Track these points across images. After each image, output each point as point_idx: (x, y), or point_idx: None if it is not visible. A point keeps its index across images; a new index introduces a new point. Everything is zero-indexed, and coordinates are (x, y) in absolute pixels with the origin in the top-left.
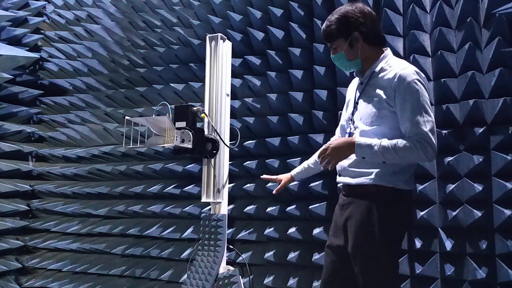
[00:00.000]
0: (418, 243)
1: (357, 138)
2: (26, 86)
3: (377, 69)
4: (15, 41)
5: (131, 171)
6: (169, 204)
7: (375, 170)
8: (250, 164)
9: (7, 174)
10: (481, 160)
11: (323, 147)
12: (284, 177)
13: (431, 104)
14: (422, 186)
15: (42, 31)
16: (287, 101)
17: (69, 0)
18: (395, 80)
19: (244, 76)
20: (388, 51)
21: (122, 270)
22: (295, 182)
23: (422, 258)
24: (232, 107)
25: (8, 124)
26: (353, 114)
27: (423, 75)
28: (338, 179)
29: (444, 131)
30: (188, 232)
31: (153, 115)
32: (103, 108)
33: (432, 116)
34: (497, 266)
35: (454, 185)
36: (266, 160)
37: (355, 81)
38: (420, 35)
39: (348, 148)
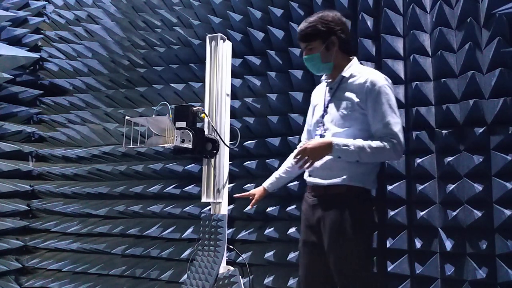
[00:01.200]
0: (418, 243)
1: (333, 139)
2: (26, 86)
3: (347, 74)
4: (15, 41)
5: (131, 171)
6: (169, 204)
7: (347, 171)
8: (250, 164)
9: (7, 174)
10: (481, 160)
11: (301, 148)
12: (256, 191)
13: (431, 104)
14: (422, 186)
15: (42, 31)
16: (287, 101)
17: (69, 0)
18: (367, 84)
19: (244, 76)
20: (355, 59)
21: (122, 270)
22: (292, 183)
23: (422, 258)
24: (232, 107)
25: (8, 124)
26: (323, 117)
27: (390, 81)
28: (308, 179)
29: (444, 131)
30: (188, 232)
31: (153, 115)
32: (103, 108)
33: (399, 118)
34: (497, 266)
35: (454, 185)
36: (266, 160)
37: (321, 87)
38: (420, 35)
39: (325, 148)
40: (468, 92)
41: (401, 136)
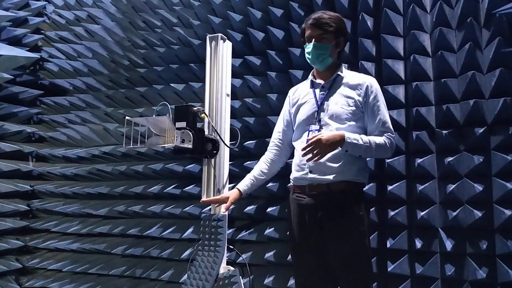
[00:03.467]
0: (418, 243)
1: (345, 132)
2: (26, 86)
3: (341, 73)
4: (15, 41)
5: (131, 171)
6: (169, 204)
7: (348, 166)
8: (251, 164)
9: (7, 174)
10: (481, 160)
11: (314, 138)
12: (229, 194)
13: (431, 104)
14: (422, 186)
15: (42, 31)
16: None
17: (69, 0)
18: (367, 84)
19: (244, 76)
20: (343, 64)
21: (122, 270)
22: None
23: (422, 258)
24: (232, 107)
25: (8, 124)
26: (318, 114)
27: None
28: (310, 175)
29: (444, 131)
30: (188, 232)
31: (153, 115)
32: (103, 108)
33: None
34: (497, 266)
35: (454, 185)
36: None
37: (304, 86)
38: (420, 35)
39: (338, 140)
40: (468, 92)
41: (394, 133)
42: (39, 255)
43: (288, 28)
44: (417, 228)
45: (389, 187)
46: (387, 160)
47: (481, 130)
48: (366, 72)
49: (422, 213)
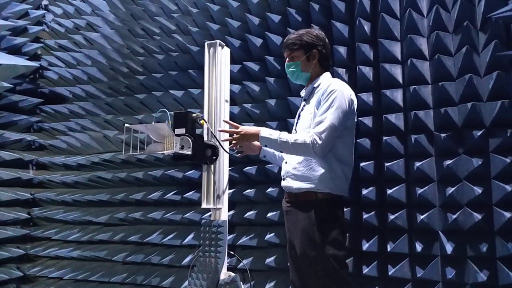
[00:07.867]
0: (418, 247)
1: (262, 129)
2: (26, 94)
3: (316, 85)
4: (15, 50)
5: (131, 178)
6: (170, 210)
7: (316, 175)
8: (250, 169)
9: (7, 183)
10: (480, 163)
11: (237, 127)
12: (253, 145)
13: (430, 108)
14: (422, 190)
15: (41, 39)
16: (286, 106)
17: (68, 8)
18: (324, 89)
19: (243, 82)
20: (328, 73)
21: (123, 278)
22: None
23: (423, 261)
24: (231, 113)
25: (8, 132)
26: (296, 124)
27: (350, 93)
28: (282, 183)
29: (442, 135)
30: (188, 239)
31: (153, 122)
32: (103, 115)
33: (336, 122)
34: (498, 269)
35: (453, 188)
36: (266, 166)
37: None
38: (417, 39)
39: (253, 135)
40: (466, 95)
41: (325, 134)
42: (40, 263)
43: (286, 34)
44: (417, 232)
45: (389, 191)
46: (386, 164)
47: (479, 133)
48: (363, 77)
49: (422, 217)
